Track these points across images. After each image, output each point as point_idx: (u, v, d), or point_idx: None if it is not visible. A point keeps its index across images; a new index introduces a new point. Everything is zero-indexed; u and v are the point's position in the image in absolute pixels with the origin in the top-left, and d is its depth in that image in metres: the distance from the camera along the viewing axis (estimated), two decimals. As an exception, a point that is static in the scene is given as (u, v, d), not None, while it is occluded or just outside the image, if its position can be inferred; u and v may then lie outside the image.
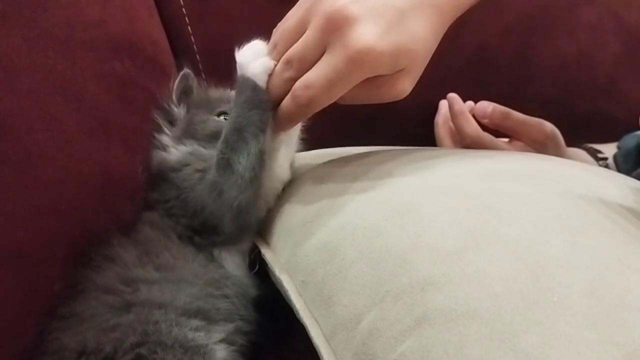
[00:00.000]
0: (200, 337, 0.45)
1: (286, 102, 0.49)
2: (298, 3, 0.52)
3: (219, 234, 0.50)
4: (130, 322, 0.44)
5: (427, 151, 0.57)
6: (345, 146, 0.62)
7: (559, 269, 0.37)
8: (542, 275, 0.37)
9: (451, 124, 0.74)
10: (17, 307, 0.46)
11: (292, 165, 0.56)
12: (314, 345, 0.42)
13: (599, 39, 0.89)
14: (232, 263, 0.53)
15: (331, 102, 0.48)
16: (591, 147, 0.81)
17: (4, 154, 0.47)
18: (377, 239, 0.43)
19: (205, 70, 0.61)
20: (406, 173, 0.50)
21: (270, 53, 0.51)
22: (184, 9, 0.70)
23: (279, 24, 0.54)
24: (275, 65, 0.51)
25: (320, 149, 0.62)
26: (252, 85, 0.50)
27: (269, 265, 0.50)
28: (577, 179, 0.50)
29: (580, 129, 0.80)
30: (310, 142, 0.62)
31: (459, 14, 0.52)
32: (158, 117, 0.57)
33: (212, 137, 0.54)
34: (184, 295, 0.47)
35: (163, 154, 0.55)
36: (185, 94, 0.58)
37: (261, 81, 0.50)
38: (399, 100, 0.78)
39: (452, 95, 0.73)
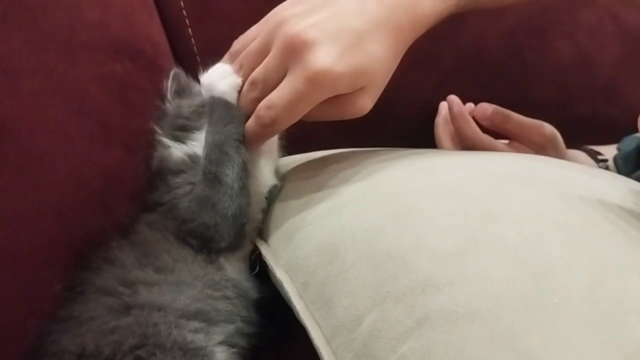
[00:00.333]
0: (199, 339, 0.45)
1: (250, 122, 0.52)
2: (261, 21, 0.55)
3: (217, 244, 0.50)
4: (129, 325, 0.44)
5: (427, 153, 0.57)
6: (345, 148, 0.62)
7: (559, 271, 0.37)
8: (542, 277, 0.37)
9: (451, 125, 0.74)
10: (17, 309, 0.46)
11: (276, 170, 0.57)
12: (315, 347, 0.42)
13: (599, 41, 0.89)
14: (232, 265, 0.53)
15: (294, 121, 0.51)
16: (591, 149, 0.81)
17: (4, 156, 0.47)
18: (377, 241, 0.43)
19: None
20: (406, 175, 0.50)
21: (237, 72, 0.54)
22: (184, 11, 0.70)
23: (238, 39, 0.56)
24: (243, 85, 0.53)
25: (319, 151, 0.62)
26: (224, 103, 0.53)
27: (270, 267, 0.50)
28: (576, 181, 0.50)
29: (580, 131, 0.80)
30: (310, 144, 0.62)
31: (419, 34, 0.54)
32: (155, 117, 0.57)
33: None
34: (184, 297, 0.47)
35: (164, 152, 0.55)
36: (178, 93, 0.58)
37: (231, 97, 0.53)
38: (400, 102, 0.79)
39: (452, 97, 0.73)
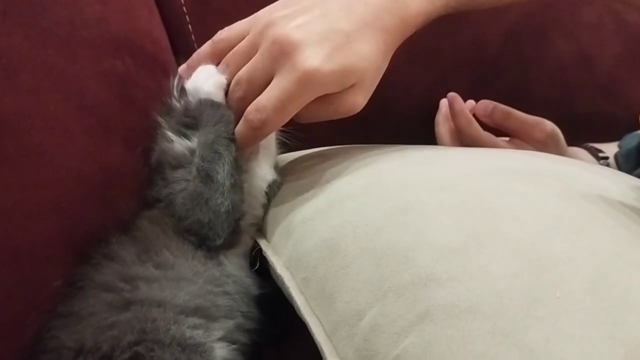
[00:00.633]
0: (198, 335, 0.45)
1: (240, 126, 0.52)
2: (249, 18, 0.56)
3: (212, 242, 0.50)
4: (128, 320, 0.44)
5: (428, 149, 0.57)
6: (345, 145, 0.62)
7: (561, 266, 0.37)
8: (544, 272, 0.37)
9: (451, 123, 0.74)
10: (17, 305, 0.46)
11: (276, 166, 0.57)
12: (316, 342, 0.42)
13: (599, 39, 0.89)
14: (232, 261, 0.53)
15: (283, 123, 0.51)
16: (592, 147, 0.81)
17: (4, 153, 0.47)
18: (378, 236, 0.43)
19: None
20: (407, 170, 0.50)
21: (223, 71, 0.55)
22: (184, 8, 0.70)
23: (224, 29, 0.57)
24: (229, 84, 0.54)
25: (320, 148, 0.62)
26: (210, 103, 0.53)
27: (270, 263, 0.50)
28: (578, 178, 0.50)
29: (581, 129, 0.80)
30: (311, 141, 0.62)
31: (408, 35, 0.55)
32: (159, 114, 0.56)
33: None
34: (184, 293, 0.47)
35: (166, 145, 0.54)
36: (183, 90, 0.58)
37: (217, 97, 0.54)
38: (400, 100, 0.79)
39: (453, 95, 0.73)
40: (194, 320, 0.46)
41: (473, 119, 0.72)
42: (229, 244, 0.52)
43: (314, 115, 0.53)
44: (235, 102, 0.53)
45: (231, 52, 0.55)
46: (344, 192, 0.49)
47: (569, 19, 0.88)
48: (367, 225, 0.44)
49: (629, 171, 0.70)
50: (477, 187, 0.46)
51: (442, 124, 0.76)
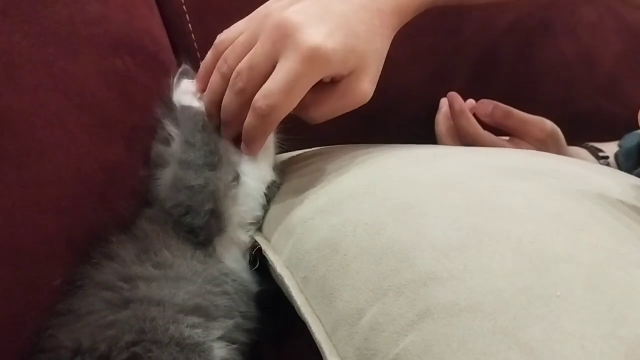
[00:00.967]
0: (197, 334, 0.45)
1: (248, 119, 0.51)
2: (248, 17, 0.56)
3: (194, 223, 0.51)
4: (127, 319, 0.44)
5: (428, 148, 0.57)
6: (346, 144, 0.62)
7: (562, 265, 0.37)
8: (545, 270, 0.37)
9: (452, 122, 0.74)
10: (16, 304, 0.46)
11: (275, 167, 0.57)
12: (316, 342, 0.42)
13: (600, 38, 0.89)
14: (232, 260, 0.53)
15: (292, 107, 0.50)
16: (592, 146, 0.81)
17: (4, 151, 0.47)
18: (379, 235, 0.43)
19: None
20: (408, 170, 0.50)
21: (221, 68, 0.54)
22: (184, 7, 0.70)
23: (223, 32, 0.57)
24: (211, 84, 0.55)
25: (320, 148, 0.62)
26: (182, 107, 0.55)
27: (270, 262, 0.50)
28: (578, 177, 0.50)
29: (581, 128, 0.80)
30: (311, 141, 0.62)
31: (407, 19, 0.55)
32: (159, 112, 0.57)
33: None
34: (183, 292, 0.47)
35: (161, 148, 0.55)
36: None
37: (186, 101, 0.56)
38: (400, 99, 0.78)
39: (453, 94, 0.73)
40: (193, 320, 0.46)
41: (473, 119, 0.72)
42: (216, 228, 0.52)
43: (327, 112, 0.52)
44: (236, 95, 0.52)
45: (230, 47, 0.54)
46: (345, 192, 0.49)
47: (570, 18, 0.88)
48: (368, 224, 0.44)
49: (630, 170, 0.70)
50: (477, 186, 0.46)
51: (443, 124, 0.76)
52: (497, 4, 0.67)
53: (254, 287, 0.53)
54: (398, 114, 0.79)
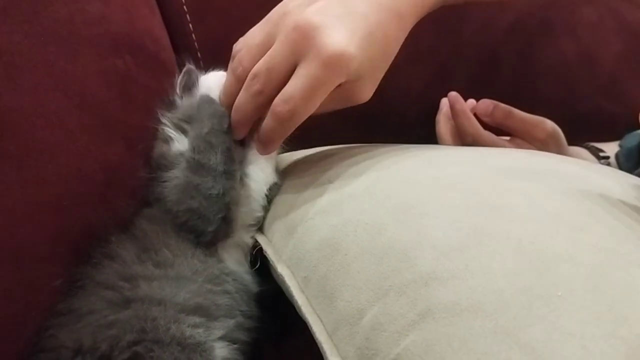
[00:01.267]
0: (198, 334, 0.45)
1: (267, 121, 0.50)
2: (263, 20, 0.54)
3: (205, 229, 0.50)
4: (128, 319, 0.44)
5: (429, 148, 0.57)
6: (346, 144, 0.62)
7: (562, 265, 0.37)
8: (545, 270, 0.37)
9: (452, 122, 0.74)
10: (16, 304, 0.46)
11: (276, 168, 0.57)
12: (317, 341, 0.42)
13: (600, 38, 0.89)
14: (232, 259, 0.53)
15: (311, 112, 0.49)
16: (593, 146, 0.81)
17: (5, 150, 0.47)
18: (379, 235, 0.43)
19: (206, 68, 0.61)
20: (408, 169, 0.50)
21: (236, 70, 0.53)
22: (185, 7, 0.70)
23: (240, 40, 0.55)
24: (238, 81, 0.53)
25: (320, 147, 0.62)
26: (206, 99, 0.54)
27: (271, 262, 0.50)
28: (579, 176, 0.50)
29: (582, 128, 0.80)
30: (311, 140, 0.62)
31: (418, 19, 0.54)
32: (163, 109, 0.57)
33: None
34: (184, 291, 0.47)
35: (164, 147, 0.55)
36: (188, 88, 0.58)
37: (214, 93, 0.55)
38: (401, 99, 0.79)
39: (453, 94, 0.73)
40: (194, 319, 0.46)
41: (474, 118, 0.72)
42: (223, 234, 0.51)
43: (326, 109, 0.51)
44: (252, 97, 0.51)
45: (245, 49, 0.53)
46: (345, 191, 0.49)
47: (570, 18, 0.88)
48: (368, 224, 0.44)
49: (630, 170, 0.70)
50: (478, 186, 0.46)
51: (443, 123, 0.76)
52: (499, 1, 0.67)
53: (254, 287, 0.53)
54: (398, 113, 0.79)
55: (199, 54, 0.70)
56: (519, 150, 0.68)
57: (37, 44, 0.50)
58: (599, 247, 0.39)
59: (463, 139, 0.73)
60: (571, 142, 0.76)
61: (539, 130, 0.71)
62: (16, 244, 0.46)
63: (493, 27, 0.83)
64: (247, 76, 0.51)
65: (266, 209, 0.55)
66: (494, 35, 0.83)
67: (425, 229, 0.41)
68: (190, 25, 0.70)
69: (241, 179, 0.53)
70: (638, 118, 0.59)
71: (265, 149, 0.52)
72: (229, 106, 0.54)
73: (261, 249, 0.52)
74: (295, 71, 0.48)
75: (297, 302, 0.45)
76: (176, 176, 0.52)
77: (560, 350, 0.33)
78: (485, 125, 0.72)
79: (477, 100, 0.73)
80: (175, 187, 0.51)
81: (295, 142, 0.58)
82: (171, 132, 0.54)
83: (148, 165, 0.55)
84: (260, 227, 0.55)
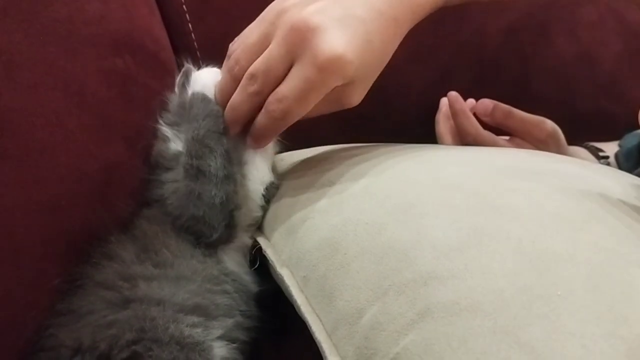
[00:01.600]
0: (197, 333, 0.45)
1: (260, 118, 0.50)
2: (259, 18, 0.53)
3: (209, 236, 0.50)
4: (127, 319, 0.44)
5: (429, 148, 0.57)
6: (346, 143, 0.62)
7: (562, 264, 0.37)
8: (545, 270, 0.37)
9: (452, 122, 0.74)
10: (17, 303, 0.46)
11: (273, 168, 0.57)
12: (316, 341, 0.42)
13: (600, 38, 0.89)
14: (231, 259, 0.53)
15: (305, 113, 0.49)
16: (592, 146, 0.81)
17: (4, 150, 0.47)
18: (379, 235, 0.43)
19: (204, 66, 0.61)
20: (408, 169, 0.50)
21: (232, 69, 0.52)
22: (184, 7, 0.70)
23: (236, 39, 0.55)
24: (234, 80, 0.52)
25: (319, 147, 0.62)
26: (201, 97, 0.53)
27: (270, 262, 0.50)
28: (579, 176, 0.50)
29: (582, 128, 0.80)
30: (310, 139, 0.62)
31: (414, 24, 0.54)
32: (160, 109, 0.56)
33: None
34: (183, 291, 0.47)
35: (162, 147, 0.55)
36: (185, 87, 0.58)
37: (209, 91, 0.54)
38: (401, 99, 0.79)
39: (453, 94, 0.73)
40: (193, 319, 0.46)
41: (473, 118, 0.72)
42: (226, 239, 0.51)
43: (317, 113, 0.51)
44: (248, 96, 0.51)
45: (241, 48, 0.52)
46: (345, 191, 0.49)
47: (570, 17, 0.88)
48: (368, 223, 0.44)
49: (629, 170, 0.70)
50: (478, 185, 0.45)
51: (443, 123, 0.76)
52: (497, 1, 0.66)
53: (253, 287, 0.53)
54: (398, 113, 0.79)
55: (198, 54, 0.70)
56: (519, 150, 0.68)
57: (37, 43, 0.50)
58: (599, 247, 0.39)
59: (463, 138, 0.73)
60: (571, 142, 0.75)
61: (538, 130, 0.71)
62: (16, 244, 0.47)
63: (493, 27, 0.83)
64: (243, 75, 0.51)
65: (264, 208, 0.55)
66: (494, 35, 0.83)
67: (425, 229, 0.41)
68: (190, 25, 0.70)
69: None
70: (638, 118, 0.59)
71: (256, 143, 0.53)
72: (225, 105, 0.53)
73: (260, 248, 0.52)
74: (291, 71, 0.48)
75: (296, 302, 0.45)
76: (175, 180, 0.52)
77: (560, 350, 0.33)
78: (485, 125, 0.72)
79: (477, 100, 0.73)
80: (174, 192, 0.51)
81: (293, 141, 0.58)
82: (167, 131, 0.54)
83: (147, 164, 0.55)
84: (259, 227, 0.55)
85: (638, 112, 0.59)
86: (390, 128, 0.79)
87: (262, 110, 0.50)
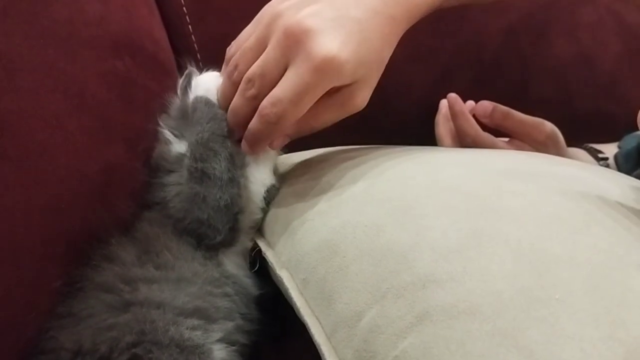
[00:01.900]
0: (197, 336, 0.45)
1: (254, 122, 0.50)
2: (254, 21, 0.54)
3: (212, 239, 0.50)
4: (127, 322, 0.44)
5: (428, 150, 0.57)
6: (345, 145, 0.62)
7: (561, 267, 0.37)
8: (544, 272, 0.37)
9: (451, 123, 0.74)
10: (17, 304, 0.46)
11: (274, 170, 0.57)
12: (315, 343, 0.42)
13: (599, 39, 0.89)
14: (232, 262, 0.53)
15: (299, 116, 0.49)
16: (592, 147, 0.81)
17: (4, 151, 0.47)
18: (378, 237, 0.43)
19: (205, 69, 0.61)
20: (407, 171, 0.50)
21: (231, 74, 0.53)
22: (184, 8, 0.70)
23: (233, 43, 0.55)
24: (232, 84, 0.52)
25: (319, 149, 0.62)
26: (205, 100, 0.53)
27: (270, 264, 0.50)
28: (577, 178, 0.50)
29: (581, 129, 0.80)
30: (310, 141, 0.62)
31: (412, 24, 0.54)
32: (161, 111, 0.57)
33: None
34: (183, 294, 0.47)
35: (164, 148, 0.55)
36: (186, 90, 0.58)
37: (212, 95, 0.54)
38: (400, 100, 0.79)
39: (452, 95, 0.73)
40: (193, 322, 0.46)
41: (472, 120, 0.72)
42: (229, 242, 0.52)
43: (326, 121, 0.51)
44: (246, 100, 0.51)
45: (239, 52, 0.53)
46: (344, 193, 0.49)
47: (569, 18, 0.88)
48: (367, 225, 0.44)
49: (629, 171, 0.70)
50: (476, 187, 0.46)
51: (442, 125, 0.76)
52: (496, 1, 0.66)
53: (254, 290, 0.53)
54: (397, 114, 0.79)
55: (198, 55, 0.70)
56: (518, 151, 0.68)
57: (37, 45, 0.50)
58: (597, 249, 0.39)
59: (462, 140, 0.73)
60: (570, 143, 0.75)
61: (537, 132, 0.71)
62: (16, 245, 0.47)
63: (493, 28, 0.83)
64: (241, 80, 0.51)
65: (264, 210, 0.55)
66: (493, 36, 0.83)
67: (424, 231, 0.42)
68: (190, 27, 0.70)
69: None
70: (637, 120, 0.59)
71: (251, 149, 0.52)
72: (227, 109, 0.54)
73: (260, 250, 0.52)
74: (285, 74, 0.48)
75: (295, 304, 0.45)
76: (178, 183, 0.52)
77: (558, 353, 0.33)
78: (484, 127, 0.72)
79: (477, 101, 0.73)
80: (177, 195, 0.51)
81: (293, 143, 0.58)
82: (168, 134, 0.54)
83: (148, 167, 0.55)
84: (259, 229, 0.55)
85: (637, 113, 0.59)
86: (390, 128, 0.79)
87: (256, 115, 0.50)
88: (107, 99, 0.56)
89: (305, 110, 0.49)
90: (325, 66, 0.47)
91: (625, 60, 0.90)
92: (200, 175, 0.50)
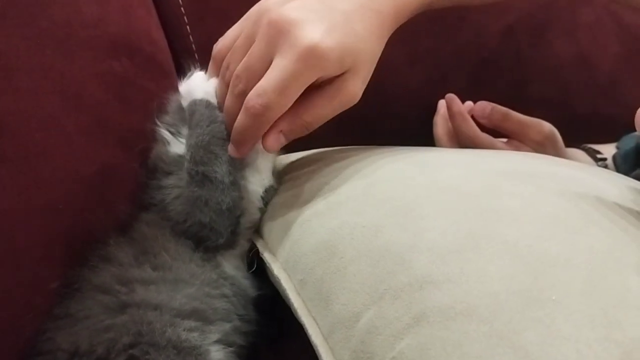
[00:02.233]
0: (194, 337, 0.45)
1: (240, 117, 0.49)
2: (242, 18, 0.54)
3: (214, 241, 0.50)
4: (124, 323, 0.44)
5: (426, 150, 0.57)
6: (344, 146, 0.62)
7: (558, 268, 0.37)
8: (541, 273, 0.37)
9: (449, 124, 0.74)
10: (15, 305, 0.46)
11: (273, 171, 0.57)
12: (312, 344, 0.42)
13: (598, 39, 0.89)
14: (229, 263, 0.53)
15: (287, 107, 0.48)
16: (590, 148, 0.81)
17: (2, 153, 0.47)
18: (376, 238, 0.43)
19: (204, 69, 0.61)
20: (405, 172, 0.50)
21: (224, 74, 0.53)
22: (182, 9, 0.70)
23: (218, 41, 0.56)
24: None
25: (318, 149, 0.62)
26: (205, 103, 0.53)
27: (267, 265, 0.50)
28: (575, 179, 0.50)
29: (580, 130, 0.80)
30: (309, 142, 0.62)
31: (403, 21, 0.54)
32: (159, 112, 0.56)
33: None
34: (180, 295, 0.47)
35: (162, 149, 0.54)
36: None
37: (212, 98, 0.54)
38: (398, 101, 0.79)
39: (451, 96, 0.73)
40: (190, 323, 0.46)
41: (471, 120, 0.72)
42: (229, 245, 0.52)
43: (319, 115, 0.51)
44: (236, 97, 0.50)
45: (230, 52, 0.53)
46: (342, 194, 0.49)
47: (568, 19, 0.88)
48: (365, 226, 0.44)
49: (627, 172, 0.70)
50: (474, 188, 0.46)
51: (440, 125, 0.76)
52: (492, 3, 0.66)
53: (252, 291, 0.53)
54: (396, 115, 0.79)
55: (196, 56, 0.70)
56: (516, 152, 0.68)
57: (34, 46, 0.50)
58: (594, 250, 0.39)
59: (460, 140, 0.73)
60: (569, 144, 0.75)
61: (536, 133, 0.71)
62: (14, 246, 0.47)
63: (492, 28, 0.83)
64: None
65: (262, 211, 0.55)
66: (492, 37, 0.83)
67: (421, 232, 0.42)
68: (188, 27, 0.70)
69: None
70: (635, 120, 0.59)
71: (238, 149, 0.51)
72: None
73: (258, 251, 0.52)
74: (271, 65, 0.48)
75: (293, 305, 0.45)
76: (177, 185, 0.52)
77: (554, 354, 0.33)
78: (483, 127, 0.72)
79: (475, 101, 0.73)
80: (177, 198, 0.51)
81: (292, 144, 0.58)
82: (166, 134, 0.54)
83: (145, 168, 0.55)
84: (257, 230, 0.55)
85: (636, 114, 0.59)
86: (389, 129, 0.78)
87: (242, 109, 0.49)
88: (105, 99, 0.56)
89: (292, 101, 0.48)
90: (309, 54, 0.46)
91: (623, 61, 0.90)
92: (201, 179, 0.50)
